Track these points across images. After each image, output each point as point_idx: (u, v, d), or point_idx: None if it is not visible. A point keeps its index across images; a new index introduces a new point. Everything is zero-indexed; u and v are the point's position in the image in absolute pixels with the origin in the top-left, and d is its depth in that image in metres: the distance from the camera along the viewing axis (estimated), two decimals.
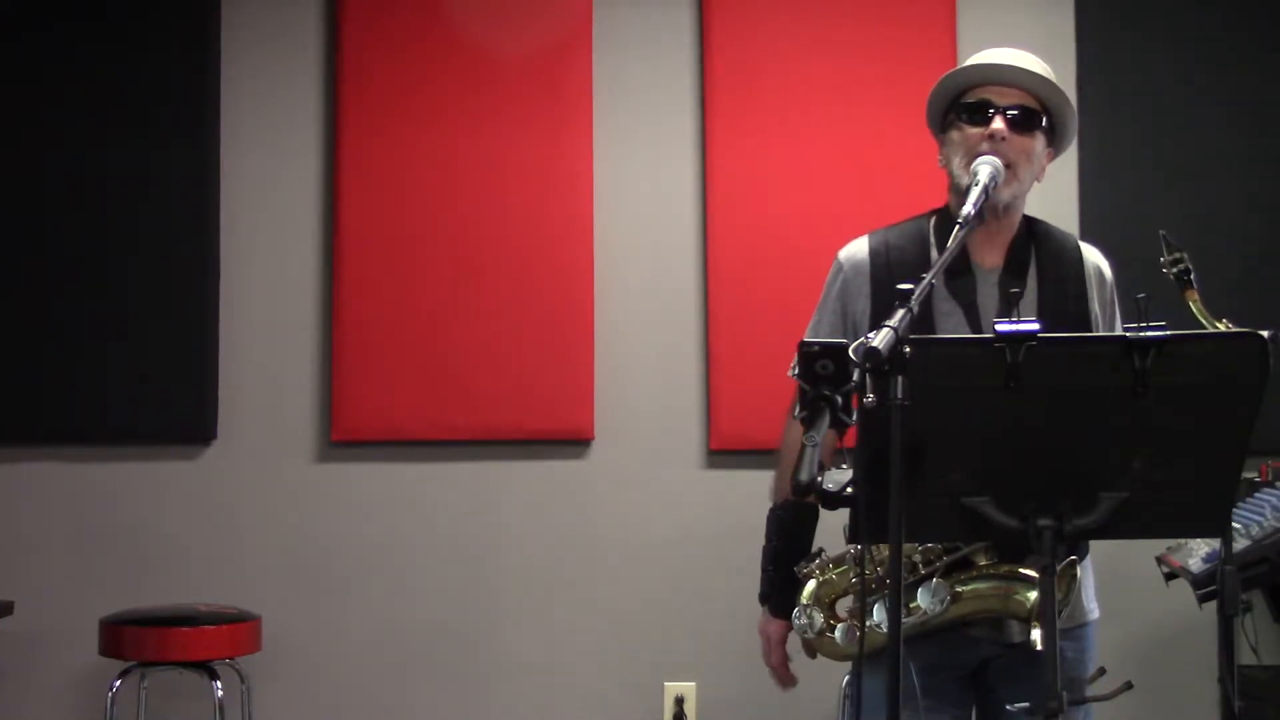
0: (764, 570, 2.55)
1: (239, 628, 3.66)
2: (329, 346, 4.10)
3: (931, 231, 2.48)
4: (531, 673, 4.06)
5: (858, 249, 2.52)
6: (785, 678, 2.58)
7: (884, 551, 2.32)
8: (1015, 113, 2.39)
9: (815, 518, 2.51)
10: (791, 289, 3.89)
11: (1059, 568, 2.21)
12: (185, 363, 4.06)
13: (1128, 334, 1.83)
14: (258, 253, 4.14)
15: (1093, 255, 2.53)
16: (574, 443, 4.11)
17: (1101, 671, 2.31)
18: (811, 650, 2.48)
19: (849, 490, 1.88)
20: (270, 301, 4.14)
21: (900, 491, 1.79)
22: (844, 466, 1.89)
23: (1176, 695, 3.89)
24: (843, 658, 2.45)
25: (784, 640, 2.54)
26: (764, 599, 2.56)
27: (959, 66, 2.48)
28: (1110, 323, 2.49)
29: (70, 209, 4.08)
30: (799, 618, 2.42)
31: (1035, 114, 2.41)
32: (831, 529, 2.45)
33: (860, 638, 2.23)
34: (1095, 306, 2.48)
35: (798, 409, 1.90)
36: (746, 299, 4.05)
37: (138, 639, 3.58)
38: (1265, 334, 1.85)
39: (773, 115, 4.09)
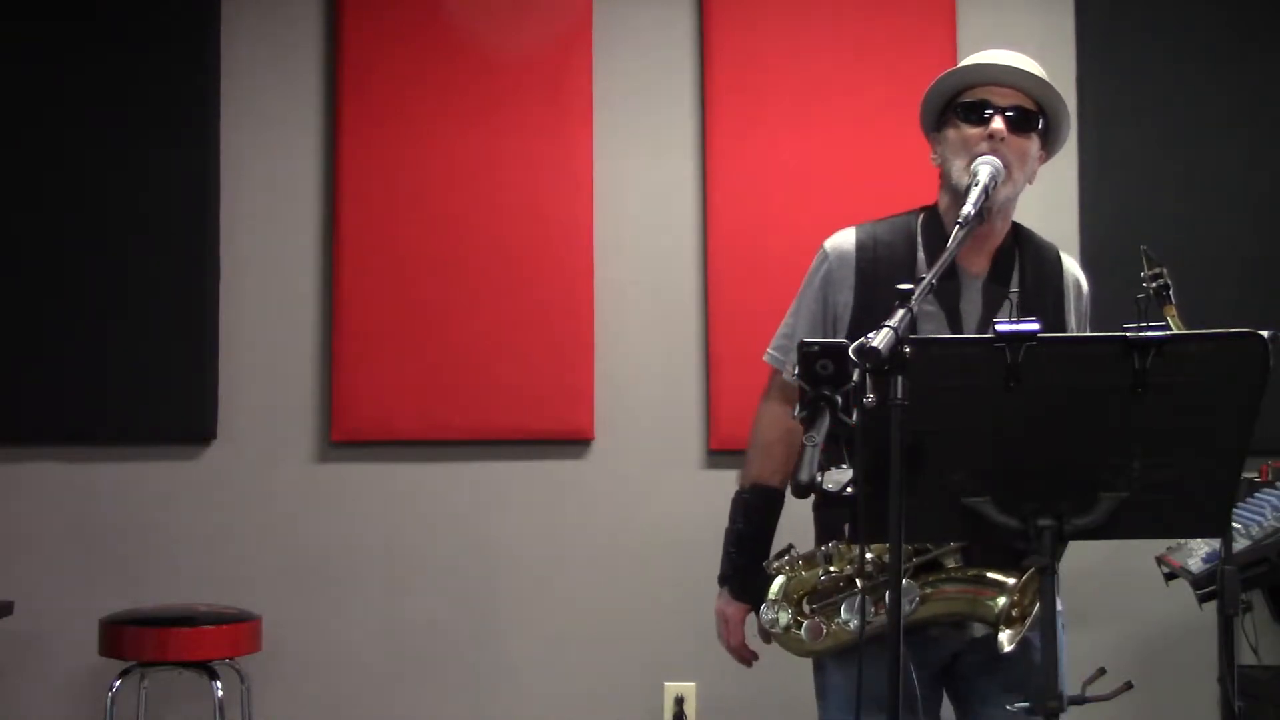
0: (726, 552, 2.58)
1: (239, 628, 3.66)
2: (329, 346, 4.10)
3: (919, 230, 2.48)
4: (531, 673, 4.06)
5: (844, 240, 2.53)
6: (745, 656, 2.62)
7: (855, 550, 2.34)
8: (1013, 114, 2.40)
9: (780, 503, 2.54)
10: (791, 289, 3.87)
11: (1024, 578, 2.22)
12: (185, 363, 4.06)
13: (1128, 334, 1.83)
14: (258, 253, 4.14)
15: (1072, 267, 2.55)
16: (574, 443, 4.11)
17: (1102, 671, 2.31)
18: (766, 635, 2.49)
19: (849, 490, 1.88)
20: (270, 301, 4.13)
21: (900, 491, 1.79)
22: (844, 466, 1.89)
23: (1176, 695, 3.89)
24: (808, 654, 2.47)
25: (742, 622, 2.57)
26: (724, 580, 2.59)
27: (955, 67, 2.49)
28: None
29: (70, 209, 4.08)
30: (766, 613, 2.44)
31: (1032, 115, 2.42)
32: (802, 522, 2.46)
33: (860, 633, 2.23)
34: (1072, 319, 2.50)
35: (798, 409, 1.90)
36: (746, 299, 4.05)
37: (138, 639, 3.58)
38: (1265, 334, 1.85)
39: (773, 114, 4.09)
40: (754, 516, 2.54)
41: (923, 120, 2.52)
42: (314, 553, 4.08)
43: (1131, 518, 1.92)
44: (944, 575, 2.33)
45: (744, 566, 2.53)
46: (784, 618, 2.42)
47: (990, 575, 2.30)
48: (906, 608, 2.30)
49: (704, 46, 4.14)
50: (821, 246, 2.56)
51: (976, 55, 2.49)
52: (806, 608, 2.44)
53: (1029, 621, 2.24)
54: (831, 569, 2.40)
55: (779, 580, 2.44)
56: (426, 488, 4.10)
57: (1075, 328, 2.49)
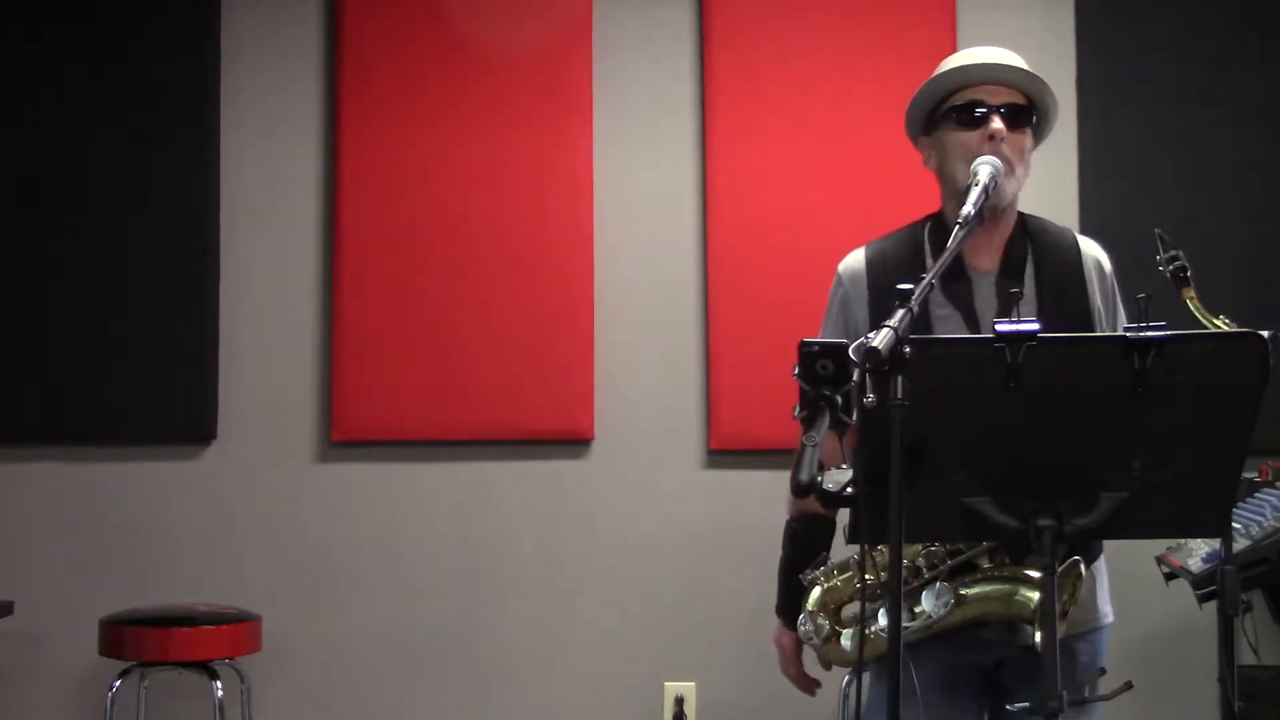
0: (778, 582, 2.54)
1: (239, 628, 3.66)
2: (329, 346, 4.10)
3: (926, 237, 2.49)
4: (531, 673, 4.06)
5: (855, 260, 2.54)
6: (806, 684, 2.58)
7: (887, 555, 2.32)
8: (1007, 111, 2.40)
9: (831, 530, 2.50)
10: (792, 289, 3.90)
11: (1064, 568, 2.21)
12: (185, 363, 4.06)
13: (1128, 334, 1.83)
14: (258, 253, 4.14)
15: (1091, 249, 2.52)
16: (574, 443, 4.11)
17: (1102, 672, 2.31)
18: (827, 663, 2.47)
19: (849, 490, 1.87)
20: (270, 301, 4.14)
21: (900, 491, 1.79)
22: (844, 466, 1.89)
23: (1176, 695, 3.89)
24: (850, 664, 2.45)
25: (798, 651, 2.53)
26: (779, 611, 2.55)
27: (942, 71, 2.47)
28: (1112, 315, 2.49)
29: (70, 209, 4.08)
30: (804, 624, 2.41)
31: (1025, 110, 2.42)
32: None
33: (860, 641, 2.22)
34: (1096, 300, 2.47)
35: (798, 409, 1.90)
36: (746, 299, 4.05)
37: (138, 639, 3.58)
38: (1265, 334, 1.85)
39: (773, 115, 4.09)
40: (800, 544, 2.51)
41: (909, 125, 2.52)
42: (314, 553, 4.08)
43: (1131, 518, 1.92)
44: (979, 575, 2.32)
45: (795, 595, 2.49)
46: (823, 628, 2.41)
47: (1025, 572, 2.29)
48: (941, 610, 2.28)
49: (704, 47, 4.14)
50: (836, 271, 2.56)
51: (959, 57, 2.48)
52: (844, 616, 2.42)
53: (1067, 619, 2.22)
54: (868, 577, 2.38)
55: (815, 591, 2.42)
56: (426, 488, 4.10)
57: (1101, 309, 2.47)
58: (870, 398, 1.82)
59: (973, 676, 2.45)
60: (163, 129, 4.09)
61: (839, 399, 1.87)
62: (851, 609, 2.44)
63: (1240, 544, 3.07)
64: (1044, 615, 1.94)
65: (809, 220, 4.02)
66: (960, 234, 2.15)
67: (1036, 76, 2.43)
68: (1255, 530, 3.15)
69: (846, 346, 1.84)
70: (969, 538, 2.27)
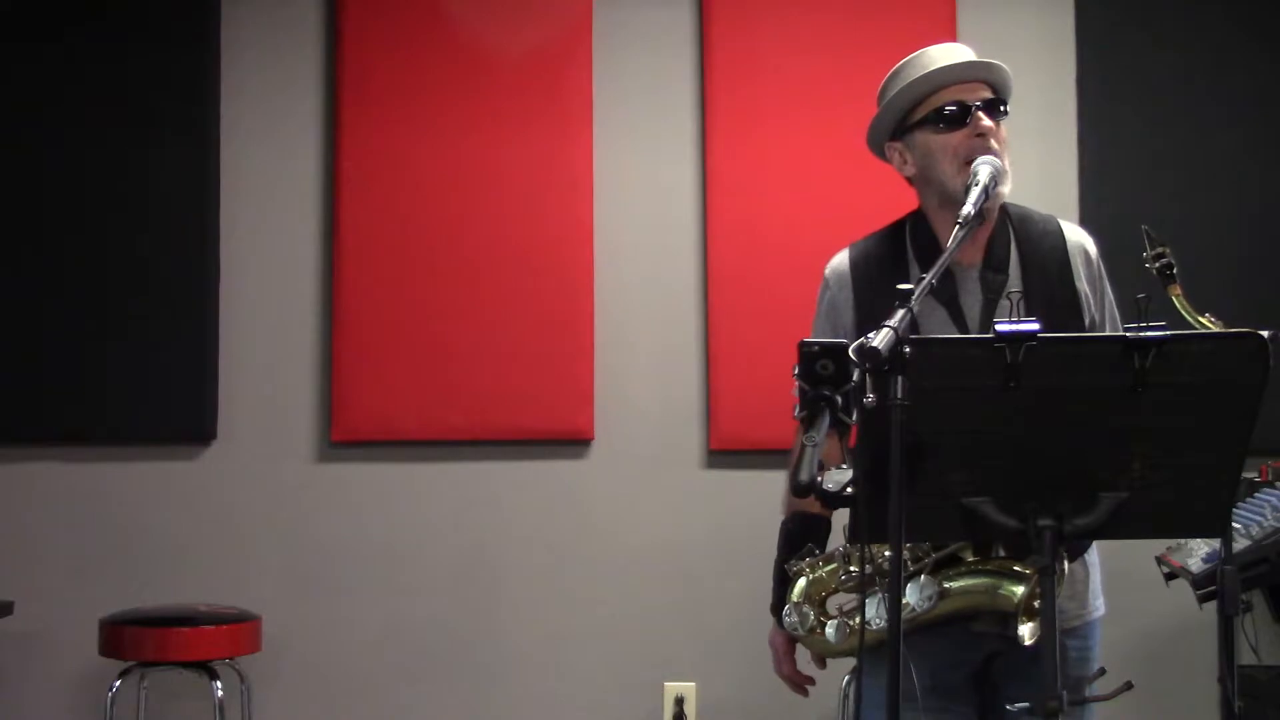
0: (773, 581, 2.52)
1: (239, 628, 3.66)
2: (329, 346, 4.10)
3: (909, 236, 2.49)
4: (531, 673, 4.06)
5: (840, 262, 2.54)
6: (799, 682, 2.57)
7: (874, 549, 2.32)
8: (988, 105, 2.41)
9: (826, 529, 2.50)
10: (791, 289, 3.88)
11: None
12: (185, 363, 4.06)
13: (1128, 334, 1.83)
14: (258, 253, 4.14)
15: (1075, 234, 2.52)
16: (574, 443, 4.11)
17: (1101, 672, 2.31)
18: (821, 660, 2.47)
19: (849, 490, 1.87)
20: (270, 301, 4.14)
21: (900, 491, 1.79)
22: (844, 466, 1.89)
23: (1176, 695, 3.89)
24: (834, 655, 2.45)
25: (792, 650, 2.53)
26: (774, 610, 2.54)
27: (918, 76, 2.46)
28: (1100, 300, 2.48)
29: (70, 209, 4.08)
30: (789, 615, 2.42)
31: (998, 101, 2.43)
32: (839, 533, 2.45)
33: (860, 636, 2.22)
34: (1083, 285, 2.46)
35: (797, 409, 1.90)
36: (746, 299, 4.05)
37: (138, 639, 3.59)
38: (1265, 334, 1.85)
39: (773, 115, 4.09)
40: (796, 544, 2.50)
41: (875, 134, 2.53)
42: (314, 553, 4.08)
43: (1131, 518, 1.92)
44: (963, 569, 2.32)
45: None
46: (808, 619, 2.41)
47: (1009, 566, 2.29)
48: (925, 603, 2.28)
49: (704, 47, 4.14)
50: (823, 275, 2.56)
51: (925, 58, 2.47)
52: (830, 608, 2.43)
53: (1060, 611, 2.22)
54: (852, 568, 2.38)
55: (801, 582, 2.42)
56: (426, 488, 4.10)
57: (1088, 295, 2.46)
58: (870, 398, 1.82)
59: (964, 672, 2.44)
60: (163, 129, 4.09)
61: (839, 399, 1.87)
62: (836, 600, 2.44)
63: (1240, 544, 3.07)
64: (1042, 615, 1.94)
65: (809, 220, 4.02)
66: (960, 234, 2.15)
67: (1002, 66, 2.44)
68: (1255, 530, 3.15)
69: (846, 346, 1.85)
70: (969, 538, 2.26)
